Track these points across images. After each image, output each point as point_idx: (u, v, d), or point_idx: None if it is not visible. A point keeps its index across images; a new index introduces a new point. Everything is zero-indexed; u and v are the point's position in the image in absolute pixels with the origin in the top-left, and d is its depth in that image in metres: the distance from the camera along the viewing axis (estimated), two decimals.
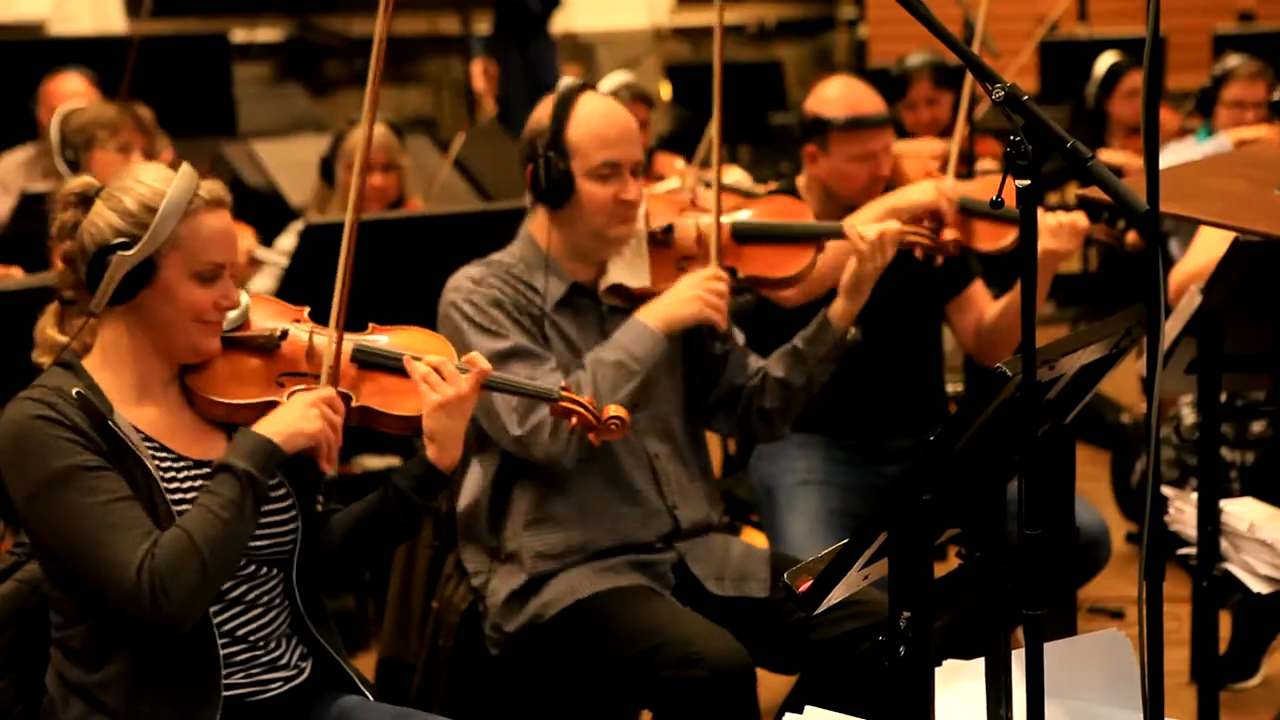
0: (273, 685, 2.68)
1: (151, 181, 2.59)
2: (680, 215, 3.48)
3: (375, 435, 4.80)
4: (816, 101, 4.07)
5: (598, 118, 3.29)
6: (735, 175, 5.46)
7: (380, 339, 2.81)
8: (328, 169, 5.43)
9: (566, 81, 3.38)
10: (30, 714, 2.68)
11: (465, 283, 3.29)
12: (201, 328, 2.63)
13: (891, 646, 2.16)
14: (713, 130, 3.57)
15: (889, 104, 4.26)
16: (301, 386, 2.69)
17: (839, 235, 3.49)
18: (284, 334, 2.72)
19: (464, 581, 3.37)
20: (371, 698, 2.77)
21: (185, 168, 2.61)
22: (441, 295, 3.31)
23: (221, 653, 2.61)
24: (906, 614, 2.15)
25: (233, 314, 2.69)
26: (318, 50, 9.33)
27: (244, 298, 2.73)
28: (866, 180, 3.99)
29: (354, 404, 2.72)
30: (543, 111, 3.32)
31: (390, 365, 2.76)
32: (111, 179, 2.63)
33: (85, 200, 2.62)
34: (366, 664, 3.60)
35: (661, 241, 3.42)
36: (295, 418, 2.60)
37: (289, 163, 6.77)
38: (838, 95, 4.04)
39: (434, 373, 2.72)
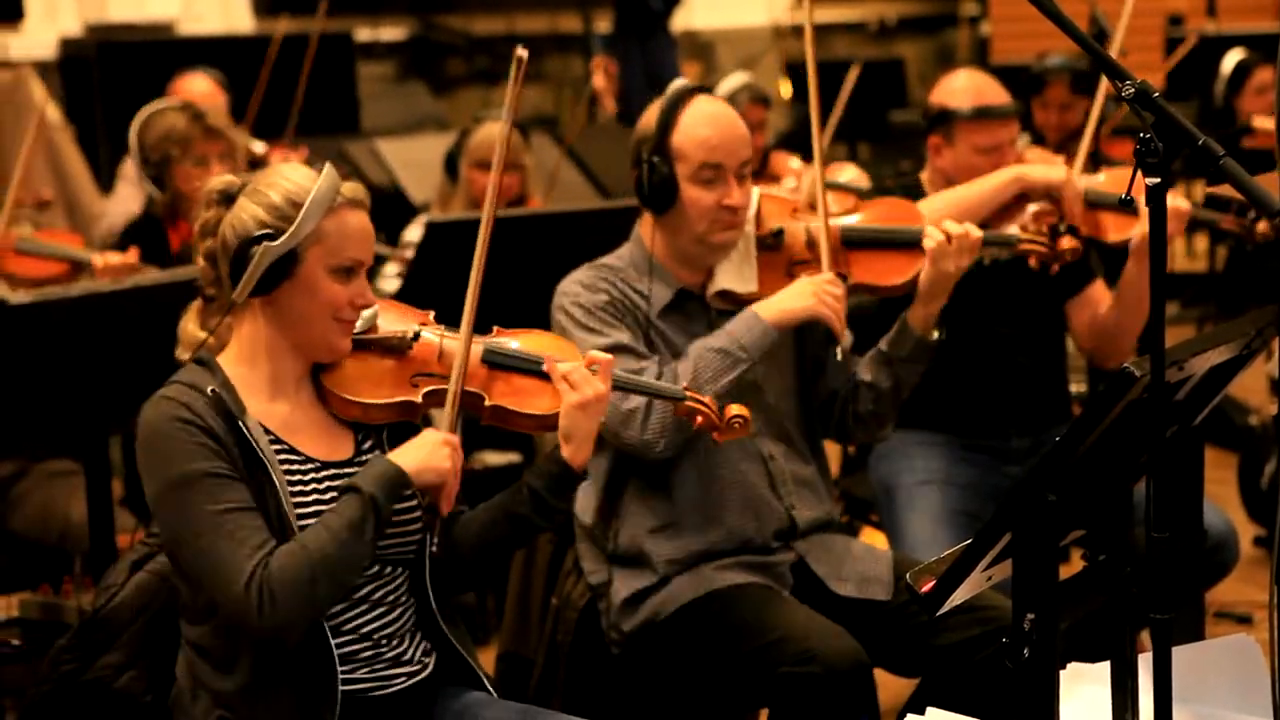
0: (396, 680, 2.70)
1: (296, 178, 2.64)
2: (791, 219, 3.46)
3: (496, 432, 4.84)
4: (942, 93, 4.06)
5: (702, 122, 3.26)
6: (850, 174, 5.44)
7: (509, 342, 2.83)
8: (452, 165, 5.48)
9: (675, 84, 3.36)
10: (159, 703, 2.72)
11: (574, 286, 3.30)
12: (336, 325, 2.66)
13: (1015, 649, 2.14)
14: (815, 131, 3.51)
15: (1021, 100, 4.22)
16: (434, 387, 2.72)
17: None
18: (416, 335, 2.76)
19: (583, 578, 3.38)
20: (493, 693, 2.79)
21: (328, 167, 2.66)
22: (554, 297, 3.33)
23: (345, 650, 2.64)
24: (1031, 616, 2.13)
25: (363, 317, 2.73)
26: (440, 49, 9.40)
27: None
28: (991, 171, 3.96)
29: (486, 403, 2.75)
30: (650, 115, 3.31)
31: (521, 366, 2.79)
32: (256, 177, 2.68)
33: (228, 198, 2.67)
34: (486, 659, 3.62)
35: (771, 246, 3.40)
36: (428, 454, 2.63)
37: (411, 161, 6.83)
38: (964, 86, 4.03)
39: (574, 372, 2.74)
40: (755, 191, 3.44)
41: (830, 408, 3.45)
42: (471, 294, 2.71)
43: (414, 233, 5.16)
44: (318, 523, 2.56)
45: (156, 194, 5.06)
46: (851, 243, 3.47)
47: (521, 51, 2.69)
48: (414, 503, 2.71)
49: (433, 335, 2.78)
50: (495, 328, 2.86)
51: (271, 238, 2.59)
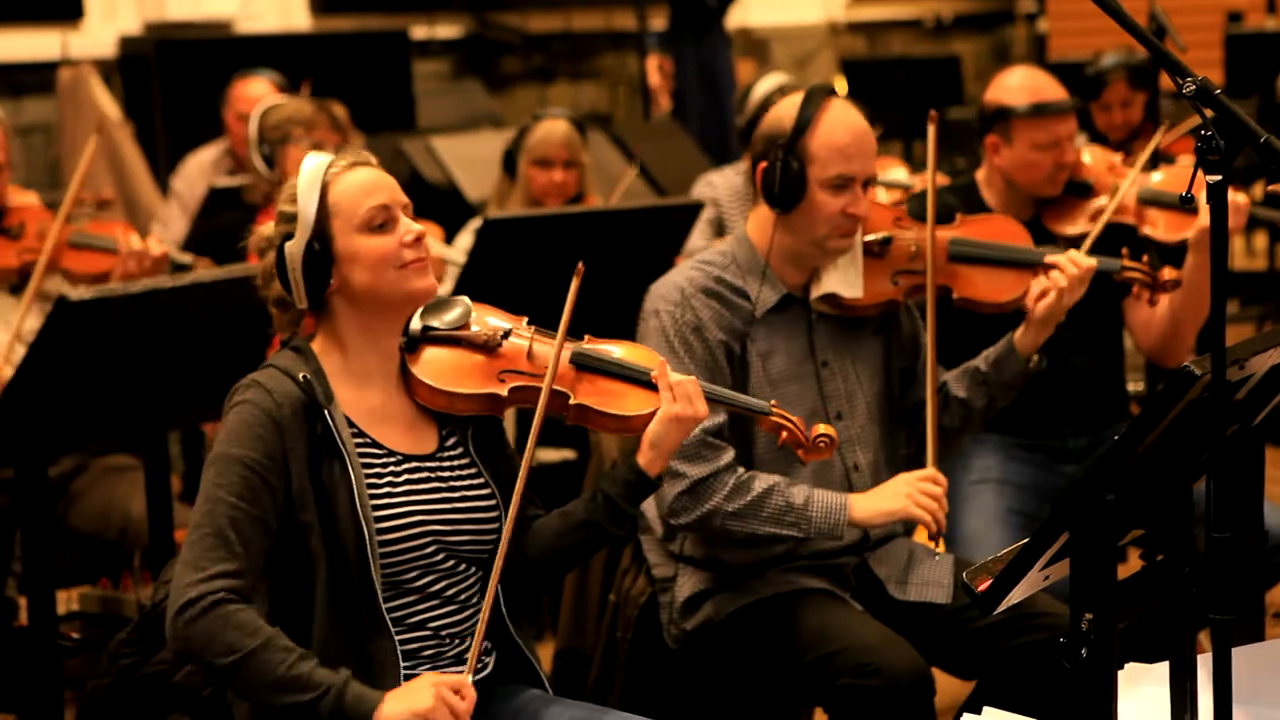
0: None
1: (294, 178, 2.67)
2: (897, 228, 3.44)
3: (552, 428, 4.85)
4: (998, 91, 4.04)
5: (840, 129, 3.23)
6: (899, 173, 5.42)
7: (600, 347, 2.85)
8: (510, 162, 5.48)
9: (817, 84, 3.31)
10: (218, 697, 2.74)
11: (673, 292, 3.27)
12: (403, 273, 2.66)
13: (1073, 649, 2.13)
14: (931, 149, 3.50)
15: (1080, 101, 4.21)
16: (521, 383, 2.74)
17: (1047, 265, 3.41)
18: (507, 334, 2.79)
19: (641, 575, 3.38)
20: (551, 691, 2.80)
21: (309, 155, 2.69)
22: (650, 293, 3.31)
23: (409, 645, 2.65)
24: (1089, 616, 2.12)
25: (455, 314, 2.75)
26: (496, 46, 9.41)
27: (464, 301, 2.79)
28: (1050, 169, 3.95)
29: (572, 401, 2.77)
30: (785, 111, 3.27)
31: (610, 370, 2.80)
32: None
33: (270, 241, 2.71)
34: (543, 655, 3.63)
35: (877, 254, 3.38)
36: (413, 696, 2.54)
37: (467, 158, 6.84)
38: (1020, 83, 4.02)
39: (685, 385, 2.74)
40: None
41: (915, 418, 3.43)
42: (571, 296, 2.71)
43: (465, 239, 5.17)
44: (298, 653, 2.53)
45: (265, 171, 5.10)
46: (958, 257, 3.45)
47: (580, 266, 2.71)
48: (490, 502, 2.73)
49: (523, 336, 2.80)
50: (587, 336, 2.87)
51: (289, 237, 2.63)
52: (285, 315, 2.72)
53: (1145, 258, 3.66)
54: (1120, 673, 2.23)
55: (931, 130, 3.02)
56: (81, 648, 3.61)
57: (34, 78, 7.60)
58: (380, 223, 2.65)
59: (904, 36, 11.73)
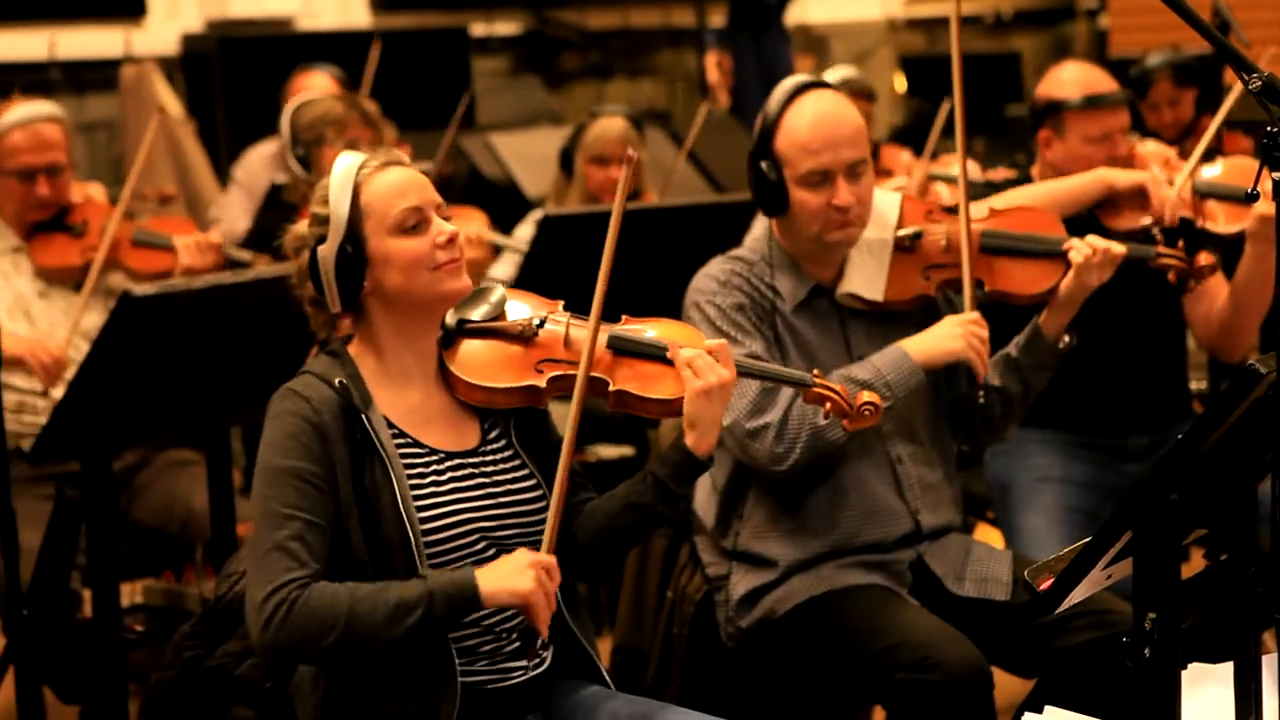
0: (515, 673, 2.71)
1: (327, 179, 2.67)
2: (929, 222, 3.42)
3: (610, 425, 4.86)
4: (1049, 85, 4.04)
5: (804, 125, 3.23)
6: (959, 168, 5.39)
7: (638, 329, 2.83)
8: (567, 160, 5.49)
9: (786, 82, 3.32)
10: (280, 691, 2.76)
11: (710, 283, 3.29)
12: (437, 274, 2.65)
13: (1136, 649, 2.12)
14: (960, 139, 3.48)
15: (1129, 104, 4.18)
16: (559, 372, 2.73)
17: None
18: (541, 322, 2.78)
19: (699, 572, 3.39)
20: (611, 686, 2.80)
21: (341, 156, 2.68)
22: (687, 291, 3.32)
23: (466, 643, 2.66)
24: (1152, 616, 2.11)
25: (489, 304, 2.75)
26: (555, 43, 9.43)
27: (499, 290, 2.78)
28: (1103, 162, 3.93)
29: (611, 388, 2.75)
30: (761, 119, 3.29)
31: (647, 352, 2.78)
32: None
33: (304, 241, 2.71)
34: (601, 651, 3.63)
35: (908, 248, 3.37)
36: (507, 575, 2.57)
37: (525, 154, 6.86)
38: (1071, 77, 4.02)
39: (698, 358, 2.72)
40: (897, 195, 3.42)
41: (959, 408, 3.43)
42: (601, 282, 2.70)
43: (525, 230, 5.19)
44: (380, 586, 2.55)
45: (300, 172, 5.14)
46: (991, 249, 3.44)
47: (633, 153, 2.72)
48: (536, 493, 2.73)
49: (559, 322, 2.79)
50: (624, 316, 2.85)
51: (322, 240, 2.63)
52: (320, 316, 2.72)
53: (1181, 244, 3.64)
54: (1184, 673, 2.21)
55: (942, 114, 2.97)
56: (145, 640, 3.64)
57: (98, 75, 7.66)
58: (413, 224, 2.65)
59: (963, 33, 11.68)
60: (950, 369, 3.40)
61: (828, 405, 2.88)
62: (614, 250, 2.69)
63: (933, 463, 3.37)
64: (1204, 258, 3.52)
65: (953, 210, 3.42)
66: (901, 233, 3.37)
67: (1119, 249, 3.34)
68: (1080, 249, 3.32)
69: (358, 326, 2.71)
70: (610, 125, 5.36)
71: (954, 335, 3.23)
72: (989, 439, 3.48)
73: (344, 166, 2.65)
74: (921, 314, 3.39)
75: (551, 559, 2.59)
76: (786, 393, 3.18)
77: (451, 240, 2.66)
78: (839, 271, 3.33)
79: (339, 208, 2.62)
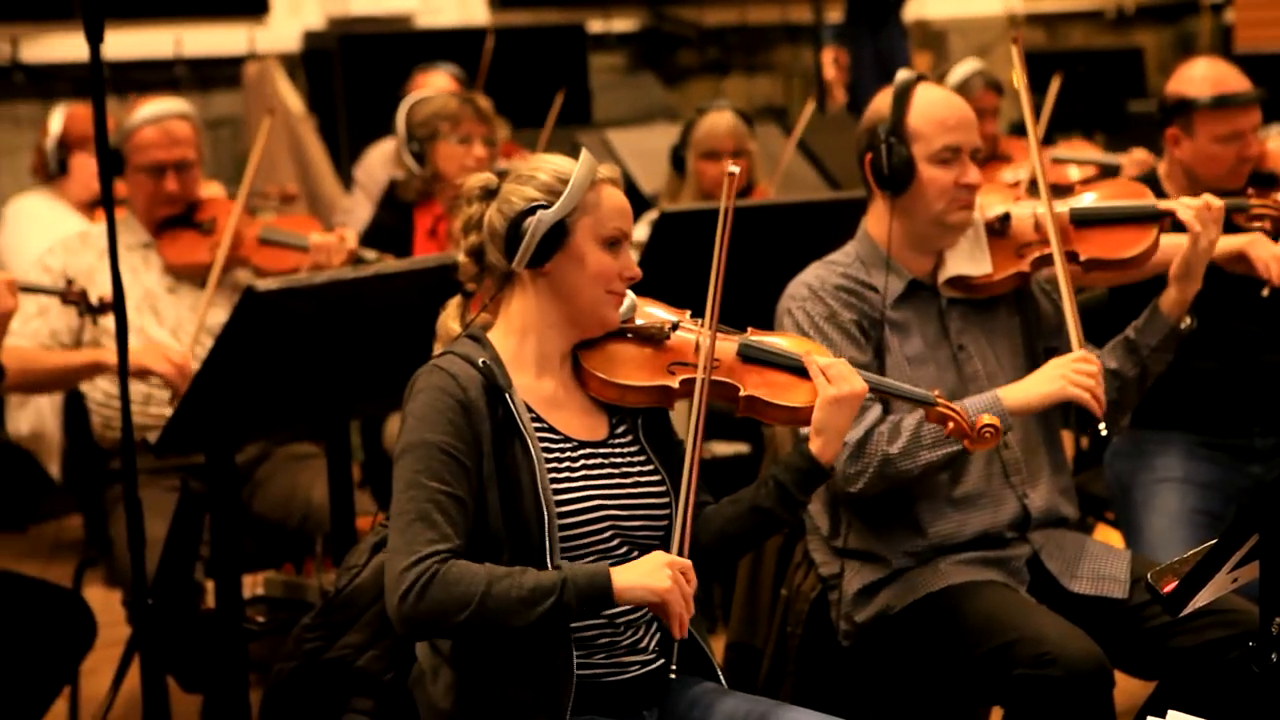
0: (631, 667, 2.74)
1: (558, 161, 2.76)
2: (1015, 204, 3.43)
3: (726, 423, 4.86)
4: (1180, 82, 3.99)
5: (937, 104, 3.30)
6: (1088, 152, 5.36)
7: (765, 338, 2.89)
8: (678, 159, 5.50)
9: (902, 73, 3.38)
10: (399, 682, 2.79)
11: (802, 290, 3.32)
12: (607, 297, 2.75)
13: (1262, 653, 2.09)
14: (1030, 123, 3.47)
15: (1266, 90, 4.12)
16: (690, 375, 2.78)
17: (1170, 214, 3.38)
18: (674, 326, 2.84)
19: (813, 570, 3.38)
20: (725, 683, 2.81)
21: (585, 151, 2.77)
22: (780, 299, 3.35)
23: (583, 635, 2.69)
24: (1279, 620, 2.08)
25: (623, 307, 2.79)
26: (672, 40, 9.44)
27: (630, 295, 2.83)
28: (1233, 161, 3.89)
29: (741, 393, 2.81)
30: (881, 101, 3.34)
31: (777, 361, 2.84)
32: (515, 167, 2.79)
33: (489, 193, 2.78)
34: (714, 648, 3.64)
35: (998, 231, 3.38)
36: (644, 573, 2.60)
37: (642, 151, 6.87)
38: (1203, 74, 3.97)
39: (834, 367, 2.78)
40: None
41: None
42: (715, 286, 2.75)
43: (640, 230, 5.20)
44: (517, 570, 2.58)
45: (415, 168, 5.19)
46: (1081, 221, 3.43)
47: (733, 167, 2.76)
48: (661, 488, 2.77)
49: (690, 329, 2.85)
50: (749, 328, 2.91)
51: (545, 207, 2.69)
52: (474, 269, 2.79)
53: (1276, 196, 3.61)
54: None
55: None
56: (266, 631, 3.68)
57: (221, 72, 7.77)
58: (615, 242, 2.75)
59: (1085, 28, 11.56)
60: (1051, 353, 3.39)
61: (950, 425, 2.93)
62: (723, 266, 2.74)
63: (1039, 446, 3.37)
64: None
65: (1036, 190, 3.43)
66: (990, 214, 3.37)
67: (1217, 202, 3.33)
68: (1188, 205, 3.31)
69: (504, 309, 2.77)
70: (719, 120, 5.37)
71: (1053, 378, 3.19)
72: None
73: (589, 161, 2.75)
74: (1016, 298, 3.42)
75: (688, 562, 2.62)
76: (871, 415, 3.19)
77: (633, 279, 2.77)
78: (935, 263, 3.34)
79: (577, 190, 2.71)
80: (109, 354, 3.88)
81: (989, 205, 3.41)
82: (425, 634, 2.67)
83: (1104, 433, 3.24)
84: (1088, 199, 3.49)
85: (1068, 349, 3.30)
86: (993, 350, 3.37)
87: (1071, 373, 3.18)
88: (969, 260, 3.35)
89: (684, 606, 2.60)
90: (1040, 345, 3.43)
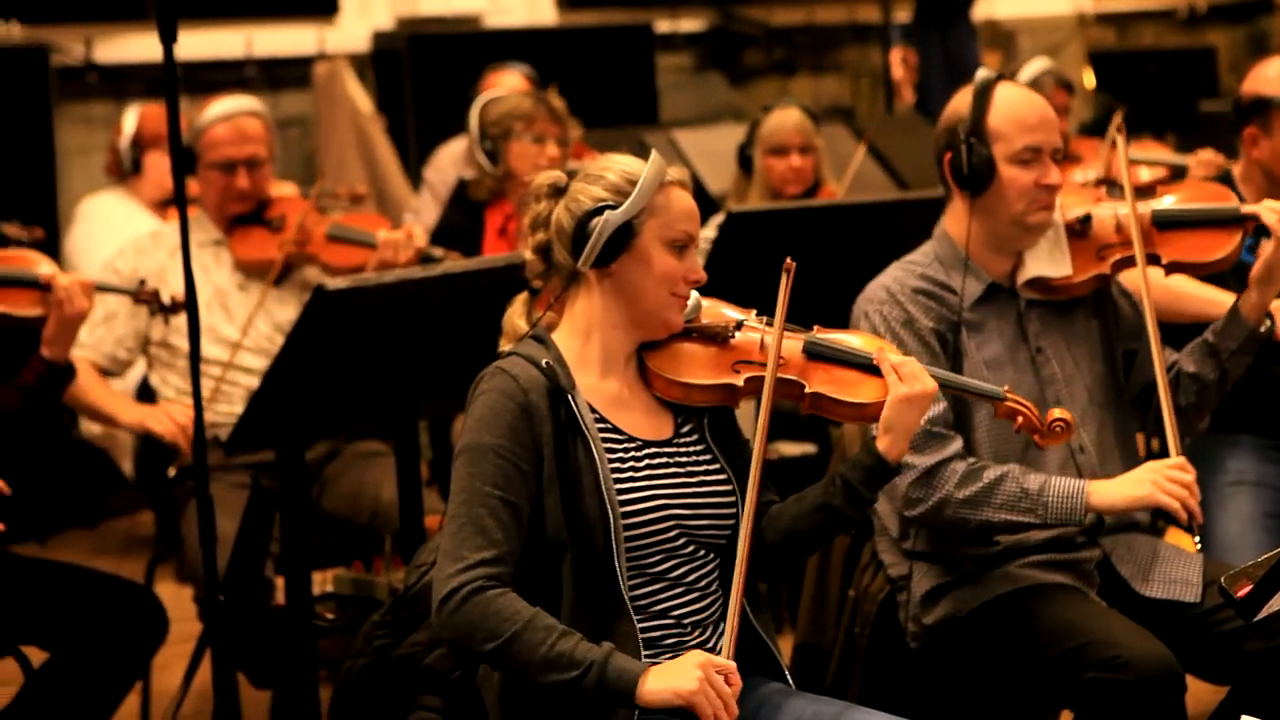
0: None
1: (627, 162, 2.76)
2: (1096, 205, 3.41)
3: (793, 422, 4.85)
4: (1257, 81, 3.97)
5: (1018, 104, 3.27)
6: (1156, 153, 5.32)
7: (831, 335, 2.88)
8: (745, 158, 5.49)
9: (982, 72, 3.35)
10: (467, 681, 2.80)
11: (880, 292, 3.30)
12: (671, 300, 2.75)
13: None
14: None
15: None
16: (755, 374, 2.77)
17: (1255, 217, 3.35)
18: (739, 325, 2.83)
19: (881, 571, 3.37)
20: (792, 684, 2.80)
21: (655, 152, 2.77)
22: (857, 300, 3.34)
23: (650, 634, 2.69)
24: None
25: (688, 306, 2.80)
26: (739, 40, 9.42)
27: (695, 295, 2.83)
28: None
29: (806, 390, 2.81)
30: (960, 101, 3.32)
31: (844, 358, 2.83)
32: (585, 166, 2.80)
33: (558, 190, 2.78)
34: (781, 649, 3.63)
35: (1079, 232, 3.36)
36: (676, 675, 2.54)
37: (708, 151, 6.87)
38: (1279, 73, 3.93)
39: (905, 365, 2.77)
40: None
41: (1147, 398, 3.37)
42: (783, 292, 2.75)
43: (708, 233, 5.20)
44: (560, 630, 2.57)
45: (488, 167, 5.21)
46: (1163, 224, 3.40)
47: (791, 261, 2.76)
48: (726, 487, 2.76)
49: (755, 328, 2.84)
50: (816, 326, 2.90)
51: (613, 208, 2.70)
52: (541, 265, 2.79)
53: None
54: None
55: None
56: (335, 628, 3.70)
57: (291, 72, 7.82)
58: (681, 245, 2.75)
59: (1156, 28, 11.46)
60: (1130, 355, 3.35)
61: (1019, 420, 2.91)
62: (793, 273, 2.74)
63: (1114, 454, 3.34)
64: None
65: (1117, 191, 3.40)
66: (1071, 215, 3.35)
67: None
68: (1272, 208, 3.29)
69: (571, 303, 2.78)
70: (786, 116, 5.38)
71: (1142, 481, 3.13)
72: (1184, 429, 3.42)
73: (658, 162, 2.75)
74: (1096, 301, 3.39)
75: (731, 665, 2.57)
76: (950, 447, 3.17)
77: (699, 282, 2.76)
78: (1014, 264, 3.32)
79: (646, 191, 2.71)
80: (126, 414, 4.19)
81: (1069, 206, 3.38)
82: (452, 646, 2.67)
83: (1197, 545, 3.15)
84: (1167, 201, 3.46)
85: (1148, 352, 3.27)
86: (1071, 353, 3.34)
87: (1165, 479, 3.11)
88: (1049, 262, 3.32)
89: (719, 708, 2.53)
90: (1119, 348, 3.40)
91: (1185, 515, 3.09)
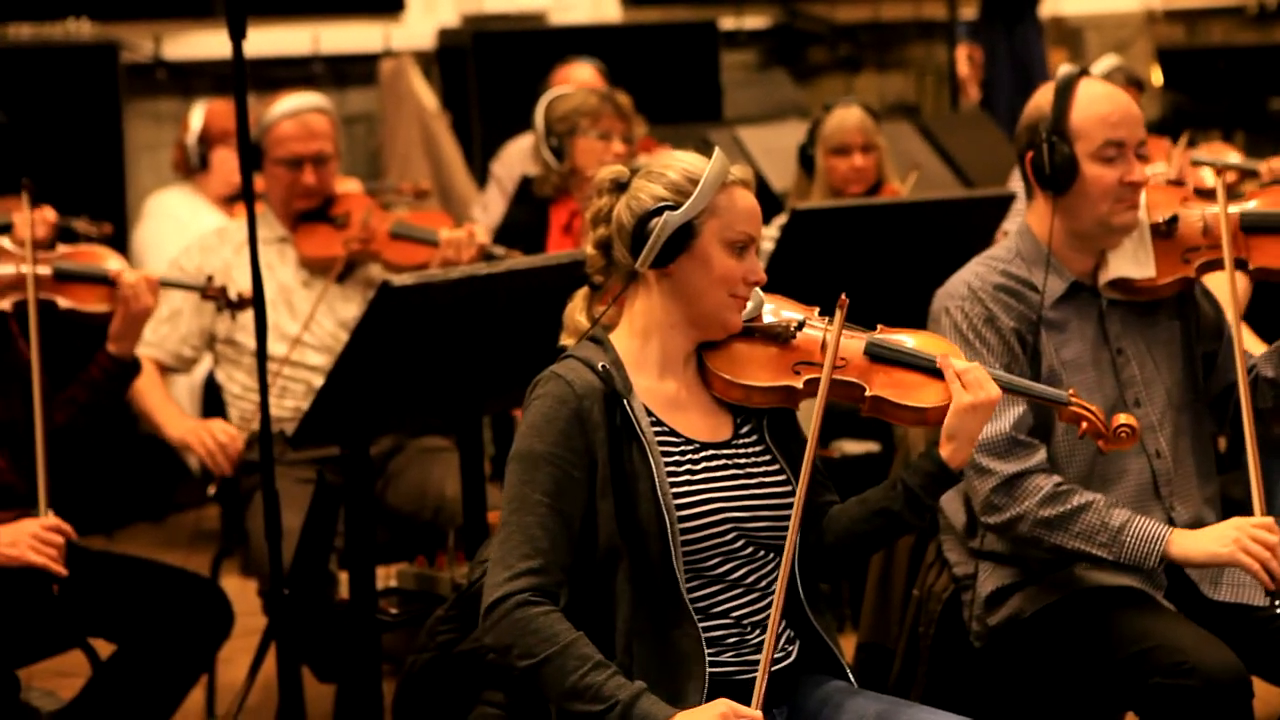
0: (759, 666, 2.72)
1: (690, 160, 2.75)
2: (1183, 206, 3.36)
3: (855, 421, 4.84)
4: None
5: (1101, 100, 3.23)
6: (1232, 158, 5.26)
7: (894, 337, 2.85)
8: (806, 157, 5.47)
9: (1064, 68, 3.32)
10: (530, 675, 2.79)
11: (962, 288, 3.27)
12: (730, 300, 2.73)
13: None
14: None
15: None
16: (815, 375, 2.75)
17: None
18: (800, 325, 2.80)
19: (946, 570, 3.35)
20: (854, 683, 2.79)
21: (718, 150, 2.75)
22: (937, 294, 3.31)
23: (712, 634, 2.68)
24: None
25: (749, 305, 2.78)
26: (804, 37, 9.39)
27: (757, 291, 2.81)
28: None
29: (867, 393, 2.78)
30: (1042, 98, 3.27)
31: (907, 361, 2.80)
32: (648, 162, 2.78)
33: (620, 186, 2.77)
34: (845, 648, 3.62)
35: (1165, 234, 3.31)
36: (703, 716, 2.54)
37: (772, 149, 6.85)
38: None
39: (970, 372, 2.74)
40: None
41: (1224, 401, 3.34)
42: (839, 321, 2.72)
43: (770, 231, 5.19)
44: (597, 663, 2.56)
45: (554, 163, 5.22)
46: (1251, 228, 3.35)
47: (845, 298, 2.72)
48: (786, 488, 2.74)
49: (816, 327, 2.82)
50: (879, 325, 2.87)
51: (673, 208, 2.68)
52: (601, 262, 2.78)
53: None
54: None
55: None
56: (399, 623, 3.71)
57: (358, 69, 7.85)
58: (742, 246, 2.73)
59: (1225, 24, 11.35)
60: (1210, 358, 3.32)
61: (1083, 425, 2.87)
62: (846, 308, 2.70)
63: (1187, 456, 3.31)
64: None
65: (1205, 194, 3.35)
66: (1158, 217, 3.30)
67: None
68: None
69: (630, 303, 2.76)
70: (847, 115, 5.35)
71: (1225, 539, 3.07)
72: (1261, 432, 3.38)
73: (721, 160, 2.73)
74: (1178, 303, 3.34)
75: (758, 715, 2.54)
76: (1035, 457, 3.14)
77: (758, 283, 2.75)
78: (1097, 264, 3.28)
79: (707, 191, 2.69)
80: (172, 427, 4.22)
81: (1155, 206, 3.34)
82: (494, 651, 2.66)
83: (1276, 609, 3.10)
84: (1251, 206, 3.41)
85: (1229, 351, 3.23)
86: (1151, 356, 3.30)
87: (1249, 540, 3.06)
88: (1132, 262, 3.28)
89: None
90: (1199, 350, 3.37)
91: (1266, 578, 3.04)
